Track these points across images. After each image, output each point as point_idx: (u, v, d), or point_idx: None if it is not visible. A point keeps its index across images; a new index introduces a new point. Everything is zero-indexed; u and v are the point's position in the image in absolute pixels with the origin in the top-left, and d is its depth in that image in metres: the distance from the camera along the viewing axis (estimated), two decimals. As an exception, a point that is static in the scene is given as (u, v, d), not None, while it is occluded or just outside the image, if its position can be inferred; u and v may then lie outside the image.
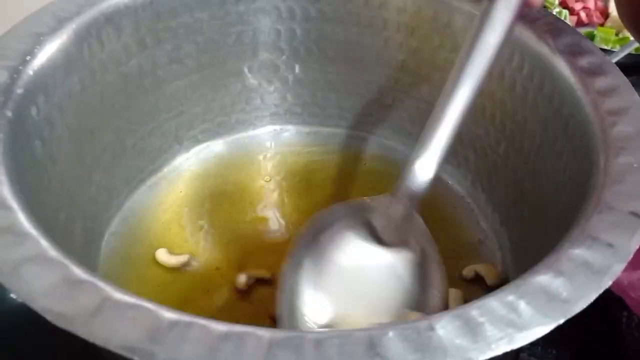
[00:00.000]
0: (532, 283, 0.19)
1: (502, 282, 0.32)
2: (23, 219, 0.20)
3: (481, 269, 0.32)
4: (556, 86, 0.28)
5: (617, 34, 0.57)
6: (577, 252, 0.20)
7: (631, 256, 0.19)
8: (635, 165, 0.23)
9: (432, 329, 0.17)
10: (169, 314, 0.17)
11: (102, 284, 0.18)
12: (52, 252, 0.19)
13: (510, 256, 0.33)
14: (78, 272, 0.18)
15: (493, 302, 0.18)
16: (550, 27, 0.30)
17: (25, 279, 0.18)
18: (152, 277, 0.32)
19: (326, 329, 0.17)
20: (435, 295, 0.24)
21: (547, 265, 0.19)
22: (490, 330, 0.17)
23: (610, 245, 0.20)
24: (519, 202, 0.32)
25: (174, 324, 0.17)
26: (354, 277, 0.24)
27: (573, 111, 0.27)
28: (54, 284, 0.18)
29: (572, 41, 0.29)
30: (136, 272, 0.32)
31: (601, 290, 0.18)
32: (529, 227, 0.31)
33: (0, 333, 0.31)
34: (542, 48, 0.29)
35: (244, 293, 0.32)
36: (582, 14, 0.60)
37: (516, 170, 0.33)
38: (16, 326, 0.31)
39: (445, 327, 0.17)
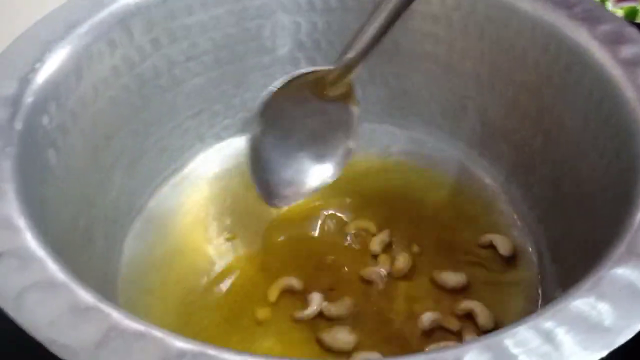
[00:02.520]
0: (571, 308, 0.17)
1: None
2: (30, 240, 0.19)
3: (497, 239, 0.32)
4: (596, 79, 0.26)
5: (663, 10, 0.53)
6: (620, 273, 0.18)
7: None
8: (687, 171, 0.21)
9: (460, 361, 0.16)
10: (179, 344, 0.16)
11: (109, 310, 0.17)
12: (59, 275, 0.18)
13: (549, 257, 0.31)
14: (85, 297, 0.18)
15: (528, 331, 0.16)
16: (589, 15, 0.27)
17: (29, 307, 0.17)
18: (176, 280, 0.32)
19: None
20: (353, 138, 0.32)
21: (587, 288, 0.18)
22: (524, 364, 0.16)
23: (658, 264, 0.18)
24: (557, 201, 0.30)
25: (182, 354, 0.16)
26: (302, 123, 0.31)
27: (615, 107, 0.25)
28: (59, 312, 0.17)
29: (614, 29, 0.27)
30: (160, 275, 0.32)
31: (649, 317, 0.16)
32: (569, 227, 0.29)
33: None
34: (579, 38, 0.27)
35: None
36: (625, -12, 0.56)
37: (554, 166, 0.31)
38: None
39: None
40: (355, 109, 0.31)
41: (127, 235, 0.33)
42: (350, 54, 0.28)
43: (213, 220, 0.35)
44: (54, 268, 0.18)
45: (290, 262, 0.33)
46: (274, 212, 0.35)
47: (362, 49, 0.27)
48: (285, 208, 0.34)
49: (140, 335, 0.16)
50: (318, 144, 0.32)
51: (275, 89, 0.28)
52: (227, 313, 0.30)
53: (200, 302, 0.31)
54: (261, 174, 0.31)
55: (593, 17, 0.27)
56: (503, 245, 0.32)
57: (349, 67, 0.29)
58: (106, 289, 0.29)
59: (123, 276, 0.31)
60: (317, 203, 0.35)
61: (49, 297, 0.17)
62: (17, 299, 0.17)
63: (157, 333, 0.17)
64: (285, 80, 0.28)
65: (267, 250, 0.34)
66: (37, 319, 0.17)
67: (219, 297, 0.31)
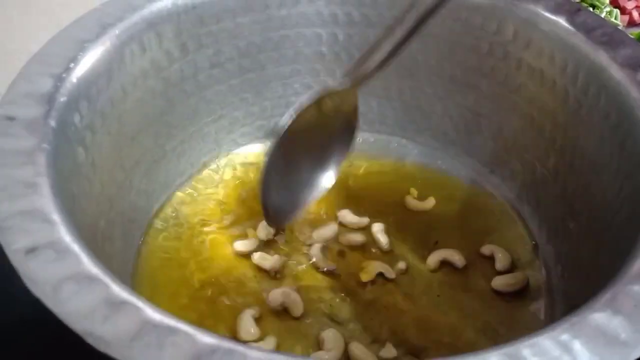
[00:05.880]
0: (588, 321, 0.18)
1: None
2: (64, 233, 0.20)
3: (498, 251, 0.33)
4: (613, 102, 0.27)
5: (673, 36, 0.54)
6: (636, 289, 0.18)
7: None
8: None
9: (480, 368, 0.16)
10: (209, 340, 0.17)
11: (141, 305, 0.18)
12: (93, 269, 0.19)
13: (557, 274, 0.32)
14: (118, 291, 0.18)
15: (546, 341, 0.17)
16: (608, 38, 0.28)
17: (66, 299, 0.17)
18: (190, 284, 0.32)
19: None
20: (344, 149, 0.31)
21: (604, 302, 0.18)
22: (542, 373, 0.16)
23: (673, 282, 0.18)
24: (568, 220, 0.31)
25: (214, 350, 0.17)
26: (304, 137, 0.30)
27: (631, 129, 0.26)
28: (94, 305, 0.17)
29: (632, 53, 0.27)
30: (174, 276, 0.32)
31: (663, 333, 0.17)
32: (579, 246, 0.30)
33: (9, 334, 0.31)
34: (598, 60, 0.28)
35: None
36: (635, 13, 0.57)
37: (566, 186, 0.31)
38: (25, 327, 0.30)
39: (494, 367, 0.16)
40: (356, 120, 0.31)
41: (144, 236, 0.33)
42: (363, 70, 0.28)
43: (229, 225, 0.35)
44: (88, 262, 0.19)
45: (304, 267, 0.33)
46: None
47: (376, 65, 0.27)
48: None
49: (173, 331, 0.17)
50: (320, 158, 0.32)
51: (295, 116, 0.28)
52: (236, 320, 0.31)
53: (213, 307, 0.31)
54: (266, 197, 0.30)
55: (613, 41, 0.28)
56: (501, 260, 0.33)
57: (359, 82, 0.29)
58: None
59: (138, 277, 0.32)
60: (330, 209, 0.36)
61: (85, 289, 0.18)
62: (54, 290, 0.18)
63: (190, 329, 0.17)
64: (305, 105, 0.28)
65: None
66: (73, 311, 0.17)
67: (232, 301, 0.31)
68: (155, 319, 0.17)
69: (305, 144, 0.30)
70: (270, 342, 0.29)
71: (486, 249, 0.33)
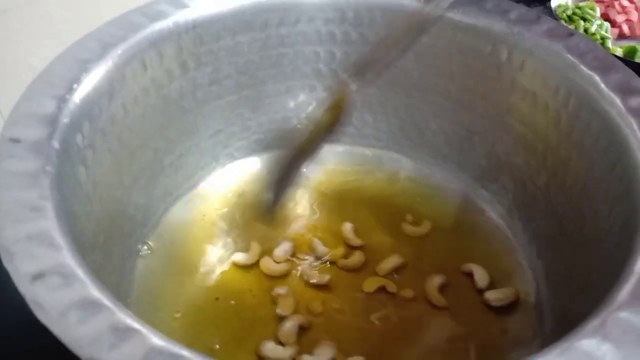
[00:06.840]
0: (577, 348, 0.18)
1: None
2: (69, 258, 0.20)
3: (476, 270, 0.34)
4: (603, 126, 0.28)
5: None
6: (624, 316, 0.19)
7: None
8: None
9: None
10: (212, 367, 0.17)
11: (145, 332, 0.18)
12: (98, 294, 0.19)
13: (547, 291, 0.32)
14: (123, 317, 0.18)
15: (537, 369, 0.18)
16: (600, 63, 0.29)
17: (72, 326, 0.18)
18: (187, 297, 0.32)
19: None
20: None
21: (593, 329, 0.19)
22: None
23: (659, 309, 0.19)
24: (558, 238, 0.32)
25: (216, 377, 0.17)
26: None
27: (621, 154, 0.26)
28: (100, 331, 0.18)
29: (623, 79, 0.28)
30: (171, 291, 0.33)
31: (650, 361, 0.18)
32: (569, 263, 0.30)
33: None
34: (589, 84, 0.29)
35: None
36: (625, 27, 0.58)
37: (556, 205, 0.32)
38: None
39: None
40: (343, 114, 0.32)
41: (140, 250, 0.34)
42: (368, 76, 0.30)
43: (224, 238, 0.36)
44: (92, 287, 0.19)
45: (293, 277, 0.34)
46: (280, 231, 0.36)
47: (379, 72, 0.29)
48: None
49: (177, 358, 0.17)
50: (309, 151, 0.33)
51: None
52: (236, 331, 0.31)
53: (209, 320, 0.32)
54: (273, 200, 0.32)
55: (604, 66, 0.28)
56: (480, 278, 0.33)
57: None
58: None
59: (135, 291, 0.32)
60: (323, 224, 0.37)
61: (91, 316, 0.18)
62: (61, 317, 0.18)
63: (194, 356, 0.17)
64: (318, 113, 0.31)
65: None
66: (80, 338, 0.18)
67: (227, 315, 0.32)
68: (159, 345, 0.18)
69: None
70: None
71: (466, 267, 0.34)
